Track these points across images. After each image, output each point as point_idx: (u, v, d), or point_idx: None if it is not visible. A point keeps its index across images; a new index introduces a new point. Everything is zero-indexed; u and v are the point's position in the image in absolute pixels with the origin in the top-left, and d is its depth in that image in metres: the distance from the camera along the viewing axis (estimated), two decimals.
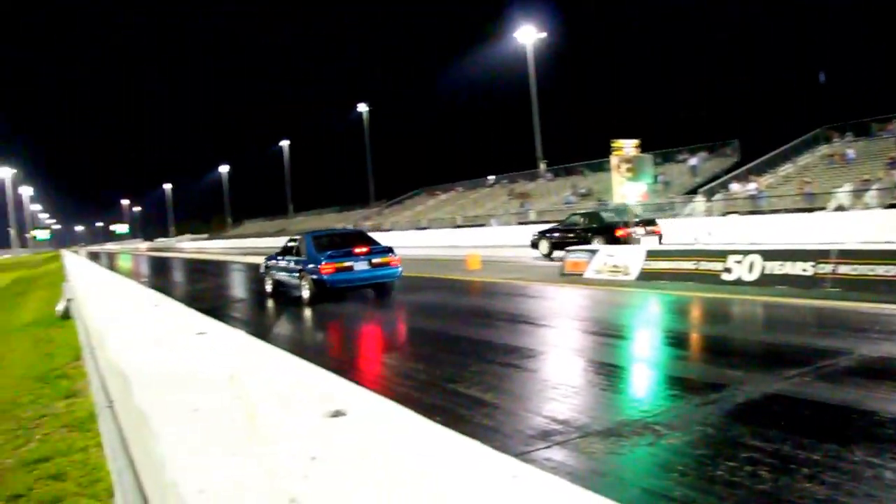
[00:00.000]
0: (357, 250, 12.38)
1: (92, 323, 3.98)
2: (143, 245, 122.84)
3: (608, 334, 8.30)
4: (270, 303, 13.80)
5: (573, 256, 14.75)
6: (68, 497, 4.06)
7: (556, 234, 20.52)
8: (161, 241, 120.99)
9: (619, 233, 18.33)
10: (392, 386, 6.24)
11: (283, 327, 11.00)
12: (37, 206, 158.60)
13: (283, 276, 14.03)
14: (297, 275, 13.07)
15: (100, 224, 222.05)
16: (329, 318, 11.52)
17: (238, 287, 19.69)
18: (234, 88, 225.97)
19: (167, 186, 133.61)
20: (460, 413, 5.12)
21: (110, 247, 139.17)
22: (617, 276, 13.21)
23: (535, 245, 21.29)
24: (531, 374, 6.39)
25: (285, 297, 13.83)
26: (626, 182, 23.50)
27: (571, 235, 19.40)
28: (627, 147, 24.83)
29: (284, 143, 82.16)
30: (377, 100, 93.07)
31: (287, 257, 13.78)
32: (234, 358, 1.80)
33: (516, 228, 31.78)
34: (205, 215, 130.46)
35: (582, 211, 21.91)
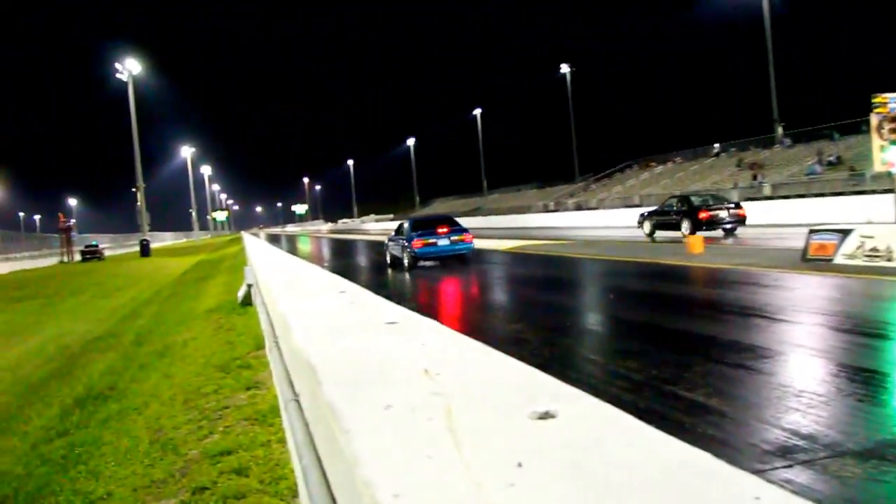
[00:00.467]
0: (440, 230, 19.66)
1: (274, 310, 4.41)
2: (324, 226, 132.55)
3: (865, 333, 7.68)
4: (464, 294, 14.38)
5: (818, 238, 13.91)
6: (251, 494, 4.55)
7: (655, 217, 26.04)
8: (344, 223, 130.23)
9: (702, 215, 23.69)
10: (602, 386, 6.26)
11: (473, 315, 11.39)
12: (215, 187, 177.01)
13: (395, 251, 21.61)
14: (400, 249, 20.63)
15: (279, 204, 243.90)
16: (523, 305, 11.77)
17: (430, 277, 20.62)
18: (421, 56, 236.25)
19: (350, 162, 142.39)
20: (680, 420, 5.05)
21: (290, 228, 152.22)
22: (876, 261, 12.31)
23: (640, 225, 26.85)
24: (766, 377, 6.12)
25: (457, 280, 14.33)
26: (891, 146, 21.20)
27: (665, 218, 25.27)
28: (894, 102, 22.29)
29: (477, 112, 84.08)
30: (581, 60, 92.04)
31: (397, 236, 21.35)
32: (428, 350, 1.91)
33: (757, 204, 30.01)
34: (390, 194, 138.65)
35: (677, 194, 28.45)
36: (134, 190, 57.18)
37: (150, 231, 59.69)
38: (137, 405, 7.42)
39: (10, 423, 7.88)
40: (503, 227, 49.06)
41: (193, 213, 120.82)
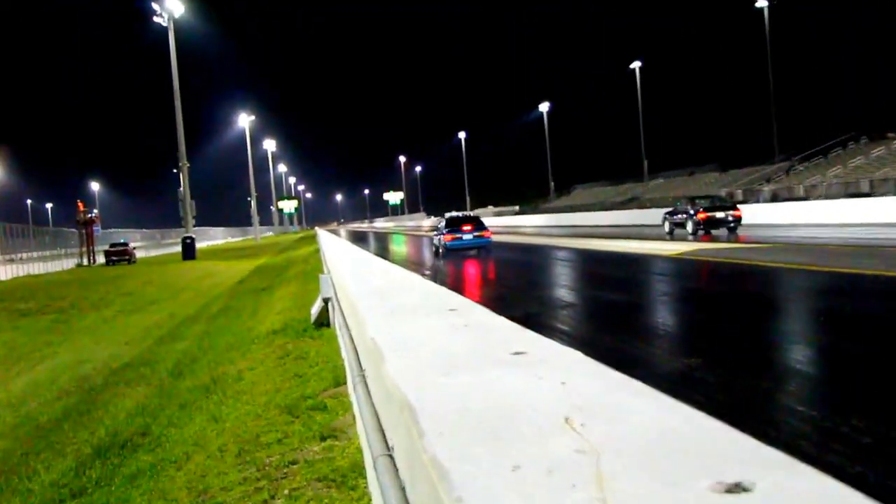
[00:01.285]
0: (464, 227, 33.53)
1: (360, 333, 4.48)
2: (426, 222, 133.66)
3: None
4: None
5: None
6: None
7: (672, 216, 37.74)
8: (452, 217, 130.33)
9: (700, 216, 34.78)
10: (813, 450, 6.05)
11: (626, 343, 11.23)
12: (282, 168, 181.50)
13: (436, 241, 35.44)
14: (437, 241, 34.32)
15: (366, 192, 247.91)
16: (702, 334, 11.50)
17: (564, 286, 20.52)
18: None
19: (461, 136, 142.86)
20: None
21: (381, 224, 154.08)
22: None
23: (663, 224, 38.74)
24: None
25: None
26: None
27: (677, 217, 37.16)
28: None
29: (634, 67, 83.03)
30: None
31: (436, 233, 35.41)
32: (569, 391, 1.91)
33: None
34: (514, 181, 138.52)
35: (684, 197, 42.46)
36: (175, 171, 58.82)
37: (195, 227, 61.43)
38: (176, 457, 7.64)
39: (10, 479, 8.17)
40: None
41: (253, 204, 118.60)
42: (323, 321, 13.54)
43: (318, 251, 29.65)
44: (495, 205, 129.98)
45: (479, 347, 2.71)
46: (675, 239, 32.65)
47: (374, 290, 6.26)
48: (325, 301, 12.84)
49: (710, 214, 34.63)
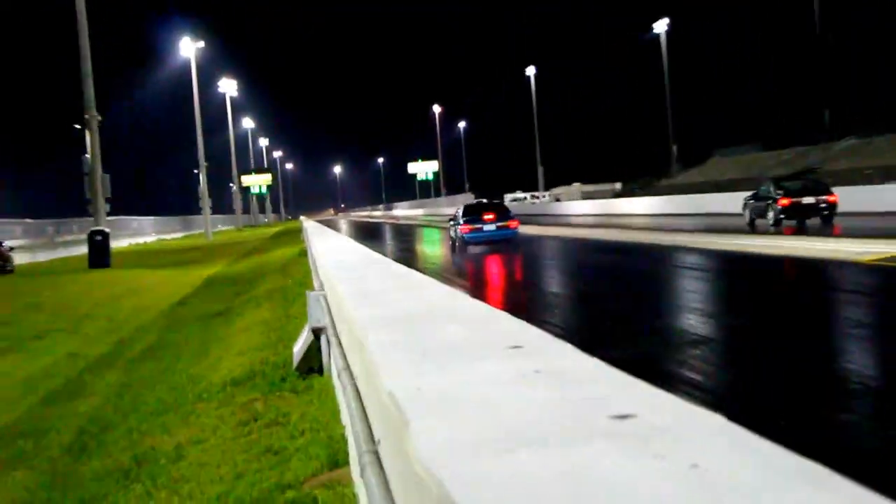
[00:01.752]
0: (486, 217, 43.91)
1: (373, 385, 4.46)
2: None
3: None
4: None
5: None
6: None
7: (752, 203, 47.28)
8: (516, 199, 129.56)
9: (783, 202, 42.93)
10: None
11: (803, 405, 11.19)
12: (250, 124, 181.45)
13: (452, 234, 47.77)
14: (453, 234, 47.44)
15: (380, 161, 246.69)
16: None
17: (694, 309, 20.43)
18: None
19: (529, 72, 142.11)
20: None
21: (402, 212, 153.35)
22: None
23: (743, 212, 48.12)
24: None
25: None
26: None
27: (759, 204, 46.03)
28: None
29: None
30: None
31: (453, 222, 47.96)
32: (702, 480, 1.86)
33: None
34: (609, 148, 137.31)
35: (768, 180, 49.26)
36: (79, 129, 58.28)
37: (111, 216, 60.29)
38: None
39: None
40: (868, 213, 47.83)
41: (202, 179, 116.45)
42: (312, 365, 13.44)
43: (304, 254, 29.64)
44: (583, 183, 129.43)
45: (562, 408, 2.69)
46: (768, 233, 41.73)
47: (395, 317, 6.24)
48: (316, 333, 12.73)
49: (795, 200, 43.33)
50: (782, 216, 42.90)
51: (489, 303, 8.20)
